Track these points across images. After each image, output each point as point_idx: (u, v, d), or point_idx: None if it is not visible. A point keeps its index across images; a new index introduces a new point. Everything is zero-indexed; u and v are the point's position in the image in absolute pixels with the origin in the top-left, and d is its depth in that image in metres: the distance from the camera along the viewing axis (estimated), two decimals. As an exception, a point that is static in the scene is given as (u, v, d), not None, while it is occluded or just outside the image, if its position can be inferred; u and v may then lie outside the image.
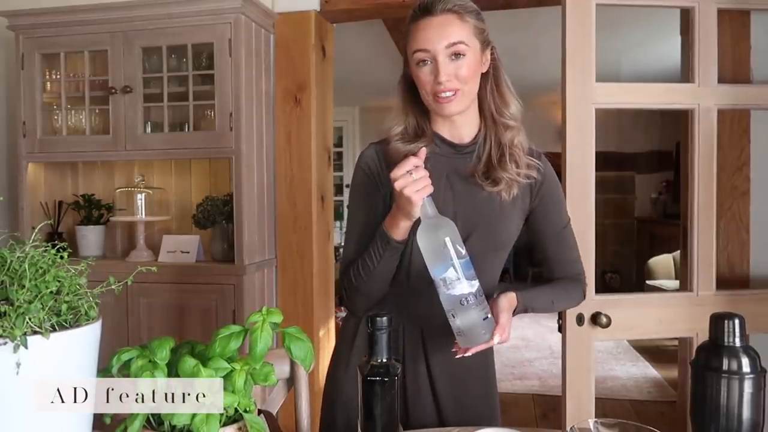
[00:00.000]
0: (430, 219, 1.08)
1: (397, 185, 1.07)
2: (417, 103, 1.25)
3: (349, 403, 1.27)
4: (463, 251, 1.07)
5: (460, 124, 1.25)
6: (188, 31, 2.34)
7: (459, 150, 1.25)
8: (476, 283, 1.07)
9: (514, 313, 1.19)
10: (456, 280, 1.05)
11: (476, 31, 1.19)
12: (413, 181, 1.06)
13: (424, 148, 1.14)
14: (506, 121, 1.23)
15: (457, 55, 1.16)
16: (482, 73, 1.22)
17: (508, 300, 1.17)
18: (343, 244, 1.33)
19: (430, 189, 1.08)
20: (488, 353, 1.33)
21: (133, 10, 2.35)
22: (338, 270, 1.31)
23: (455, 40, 1.15)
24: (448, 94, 1.16)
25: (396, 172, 1.07)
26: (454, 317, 1.07)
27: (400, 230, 1.15)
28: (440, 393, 1.26)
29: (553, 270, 1.33)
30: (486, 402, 1.31)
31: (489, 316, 1.09)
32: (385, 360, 0.90)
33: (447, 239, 1.06)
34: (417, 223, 1.11)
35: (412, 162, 1.08)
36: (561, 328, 1.89)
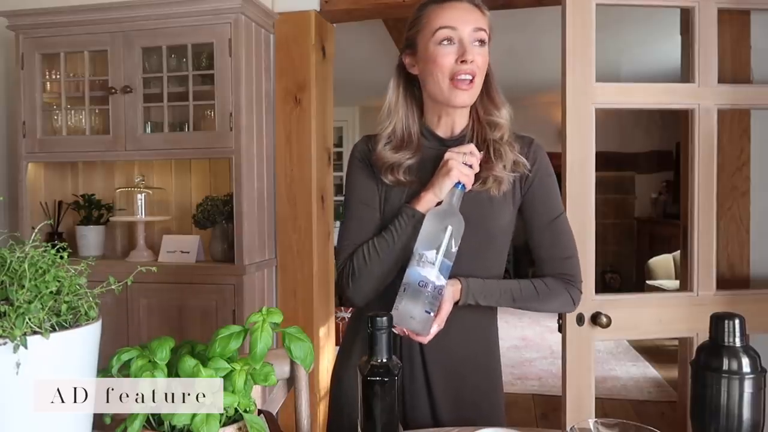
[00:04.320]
0: (449, 206, 1.12)
1: (447, 155, 1.14)
2: (410, 96, 1.25)
3: (353, 402, 1.27)
4: (454, 250, 1.09)
5: (457, 116, 1.25)
6: (188, 31, 2.34)
7: (447, 144, 1.25)
8: (443, 283, 1.09)
9: (458, 303, 1.18)
10: (430, 264, 1.07)
11: (489, 29, 1.21)
12: (463, 161, 1.13)
13: (482, 153, 1.18)
14: (495, 120, 1.23)
15: (481, 41, 1.17)
16: None
17: (450, 291, 1.15)
18: (339, 232, 1.32)
19: (469, 181, 1.13)
20: (491, 353, 1.32)
21: (133, 10, 2.35)
22: (337, 260, 1.28)
23: (481, 26, 1.17)
24: (468, 77, 1.16)
25: (454, 149, 1.15)
26: (404, 292, 1.09)
27: (424, 203, 1.16)
28: (436, 392, 1.25)
29: (542, 267, 1.27)
30: (488, 402, 1.29)
31: (431, 314, 1.09)
32: (385, 360, 0.90)
33: (449, 228, 1.09)
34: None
35: (470, 147, 1.14)
36: (561, 328, 1.89)
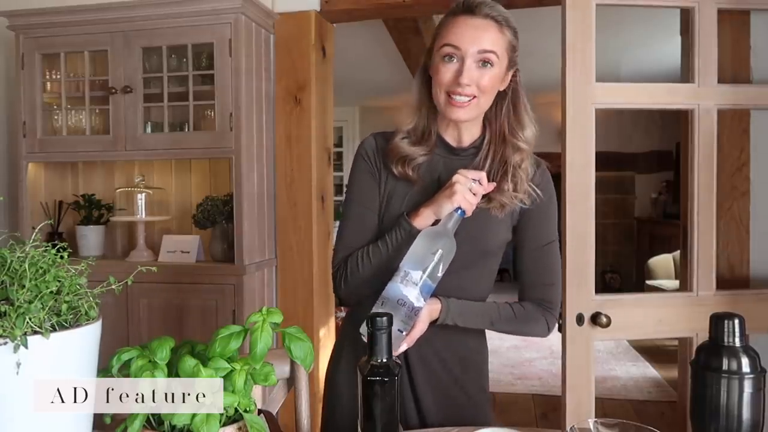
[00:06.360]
0: (444, 229, 1.11)
1: (455, 177, 1.12)
2: (431, 99, 1.24)
3: (348, 402, 1.27)
4: (439, 274, 1.09)
5: (464, 129, 1.23)
6: (188, 31, 2.34)
7: (455, 152, 1.24)
8: (422, 305, 1.09)
9: (436, 322, 1.18)
10: (413, 284, 1.07)
11: (509, 47, 1.18)
12: (469, 187, 1.11)
13: (494, 183, 1.17)
14: (518, 143, 1.20)
15: (485, 62, 1.14)
16: (499, 91, 1.21)
17: (429, 311, 1.15)
18: (337, 229, 1.31)
19: (470, 209, 1.12)
20: (478, 353, 1.31)
21: (133, 10, 2.35)
22: (333, 258, 1.28)
23: (488, 48, 1.14)
24: (463, 99, 1.14)
25: (465, 171, 1.13)
26: (381, 305, 1.08)
27: (422, 219, 1.15)
28: (421, 392, 1.25)
29: (523, 289, 1.27)
30: (473, 402, 1.29)
31: (403, 333, 1.09)
32: (385, 360, 0.90)
33: (439, 251, 1.08)
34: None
35: (481, 175, 1.13)
36: (561, 328, 1.89)
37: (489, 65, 1.15)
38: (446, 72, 1.15)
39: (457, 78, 1.13)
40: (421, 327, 1.14)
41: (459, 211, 1.11)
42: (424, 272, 1.07)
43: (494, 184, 1.17)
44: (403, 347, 1.12)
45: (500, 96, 1.21)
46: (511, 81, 1.22)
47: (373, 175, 1.26)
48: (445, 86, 1.15)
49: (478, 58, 1.14)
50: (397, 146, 1.23)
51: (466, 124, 1.22)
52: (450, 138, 1.25)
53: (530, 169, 1.22)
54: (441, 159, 1.24)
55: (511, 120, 1.22)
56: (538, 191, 1.22)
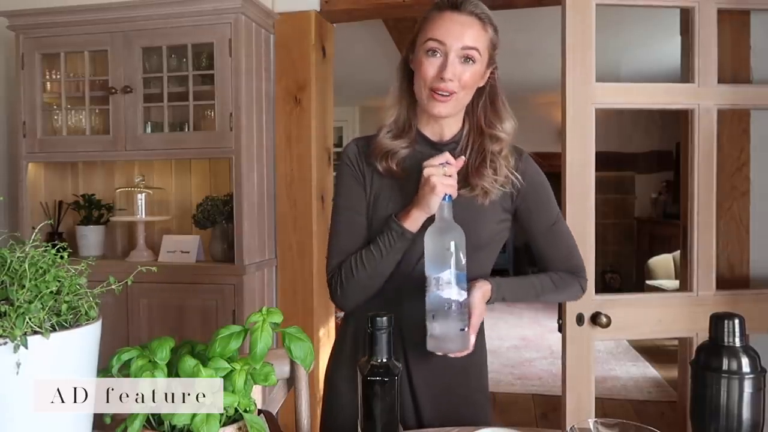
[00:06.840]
0: (443, 221, 1.11)
1: (426, 172, 1.12)
2: (411, 92, 1.25)
3: (348, 402, 1.26)
4: (463, 261, 1.10)
5: (444, 123, 1.25)
6: (188, 31, 2.34)
7: (438, 148, 1.25)
8: (465, 295, 1.10)
9: (489, 301, 1.21)
10: (447, 284, 1.08)
11: (490, 45, 1.20)
12: (443, 173, 1.11)
13: (462, 158, 1.17)
14: (496, 133, 1.23)
15: (467, 59, 1.16)
16: (478, 87, 1.22)
17: (482, 293, 1.18)
18: (328, 237, 1.31)
19: (454, 190, 1.12)
20: (477, 353, 1.31)
21: (133, 10, 2.36)
22: (327, 265, 1.30)
23: (472, 44, 1.16)
24: (446, 93, 1.16)
25: (430, 161, 1.13)
26: (433, 318, 1.09)
27: (413, 221, 1.16)
28: (419, 392, 1.25)
29: (548, 265, 1.32)
30: (472, 401, 1.29)
31: (466, 329, 1.11)
32: (385, 360, 0.90)
33: (452, 243, 1.09)
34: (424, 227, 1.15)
35: (446, 156, 1.13)
36: (561, 328, 1.89)
37: (471, 61, 1.17)
38: (430, 66, 1.16)
39: (441, 73, 1.15)
40: (478, 312, 1.16)
41: (447, 198, 1.12)
42: (450, 269, 1.09)
43: (463, 158, 1.18)
44: (473, 339, 1.14)
45: (478, 92, 1.23)
46: (489, 78, 1.24)
47: (358, 179, 1.27)
48: (429, 81, 1.17)
49: (461, 54, 1.16)
50: (381, 142, 1.24)
51: (447, 120, 1.23)
52: (430, 133, 1.26)
53: (511, 159, 1.24)
54: (423, 156, 1.23)
55: (489, 114, 1.25)
56: (519, 177, 1.24)
